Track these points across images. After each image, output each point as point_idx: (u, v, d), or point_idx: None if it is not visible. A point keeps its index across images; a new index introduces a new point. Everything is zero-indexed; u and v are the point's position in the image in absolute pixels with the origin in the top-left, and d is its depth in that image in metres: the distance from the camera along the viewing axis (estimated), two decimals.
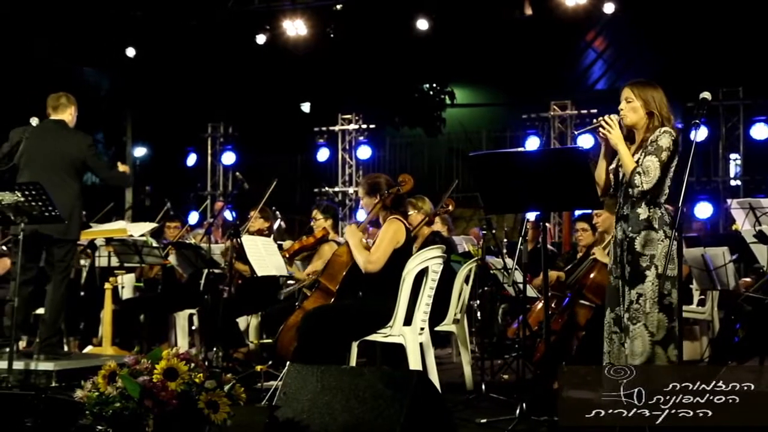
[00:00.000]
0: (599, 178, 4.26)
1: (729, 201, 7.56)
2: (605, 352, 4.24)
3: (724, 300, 6.83)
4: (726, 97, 11.94)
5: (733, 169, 12.74)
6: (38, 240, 5.67)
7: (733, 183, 12.42)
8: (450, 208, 6.73)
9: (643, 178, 4.04)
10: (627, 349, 4.09)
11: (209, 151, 15.07)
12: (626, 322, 4.10)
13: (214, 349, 6.58)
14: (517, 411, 4.47)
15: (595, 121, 4.21)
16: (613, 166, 4.26)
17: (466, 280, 5.95)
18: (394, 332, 4.89)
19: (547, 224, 4.86)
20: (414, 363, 4.84)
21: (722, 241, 7.20)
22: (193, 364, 3.48)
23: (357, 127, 14.12)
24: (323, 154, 14.28)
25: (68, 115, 5.99)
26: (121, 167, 6.17)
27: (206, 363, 5.68)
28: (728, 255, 6.23)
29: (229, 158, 14.62)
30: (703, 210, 11.16)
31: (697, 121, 3.93)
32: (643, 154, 4.10)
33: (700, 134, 4.36)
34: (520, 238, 5.43)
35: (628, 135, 4.21)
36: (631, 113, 4.16)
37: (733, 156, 12.56)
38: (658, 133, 4.08)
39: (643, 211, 4.10)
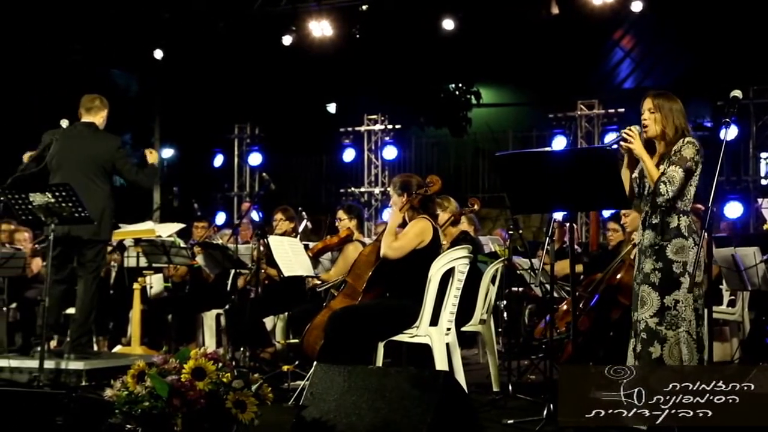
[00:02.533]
0: (627, 188, 4.26)
1: (760, 200, 7.48)
2: (630, 350, 4.23)
3: (755, 301, 6.74)
4: (757, 96, 11.77)
5: (764, 168, 12.57)
6: (70, 241, 5.74)
7: (763, 182, 12.25)
8: (476, 207, 6.71)
9: (668, 187, 4.09)
10: (657, 353, 4.08)
11: (236, 152, 15.16)
12: (657, 327, 4.11)
13: (241, 348, 6.62)
14: (544, 412, 4.45)
15: (616, 135, 4.23)
16: (635, 174, 4.31)
17: (493, 281, 5.93)
18: (421, 332, 4.89)
19: (574, 224, 4.83)
20: (440, 363, 4.84)
21: (753, 241, 7.10)
22: (220, 364, 3.50)
23: (383, 127, 14.12)
24: (349, 155, 14.30)
25: (99, 117, 6.05)
26: (150, 156, 6.18)
27: (233, 363, 5.73)
28: (759, 255, 6.15)
29: (255, 159, 14.70)
30: (734, 209, 11.03)
31: (728, 119, 3.92)
32: (667, 164, 4.16)
33: (731, 133, 4.34)
34: (547, 239, 5.40)
35: (648, 145, 4.25)
36: (653, 124, 4.22)
37: (763, 155, 12.39)
38: (681, 144, 4.15)
39: (673, 220, 4.16)
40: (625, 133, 4.17)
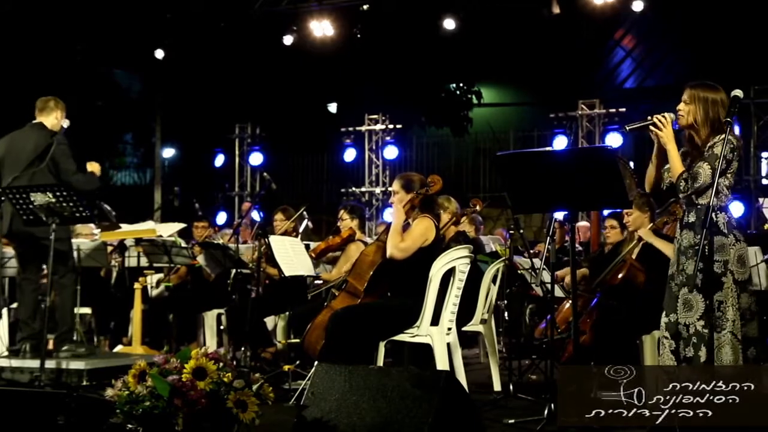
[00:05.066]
0: (649, 176, 4.21)
1: (761, 200, 7.48)
2: (659, 353, 4.19)
3: (756, 300, 6.72)
4: (757, 95, 11.76)
5: (765, 167, 12.56)
6: (28, 240, 5.79)
7: (764, 182, 12.25)
8: (477, 208, 6.71)
9: (689, 184, 4.02)
10: (704, 356, 3.97)
11: (237, 152, 15.17)
12: (703, 330, 3.98)
13: (242, 348, 6.62)
14: (545, 412, 4.45)
15: (648, 117, 4.14)
16: (668, 165, 4.20)
17: (494, 280, 5.93)
18: (422, 332, 4.89)
19: (576, 224, 4.82)
20: (441, 363, 4.84)
21: (754, 241, 7.08)
22: (221, 364, 3.51)
23: (383, 127, 14.12)
24: (350, 155, 14.30)
25: (53, 118, 6.01)
26: (90, 166, 6.08)
27: (234, 362, 5.73)
28: (760, 255, 6.14)
29: (256, 159, 14.70)
30: (734, 209, 11.01)
31: (729, 119, 3.89)
32: (699, 159, 4.05)
33: None
34: (548, 238, 5.41)
35: (689, 138, 4.17)
36: (685, 115, 4.11)
37: (764, 155, 12.38)
38: (715, 140, 4.03)
39: (711, 218, 4.00)
40: (656, 118, 4.07)
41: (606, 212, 6.58)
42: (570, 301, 5.48)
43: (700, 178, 4.00)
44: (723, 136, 3.97)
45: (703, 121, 4.08)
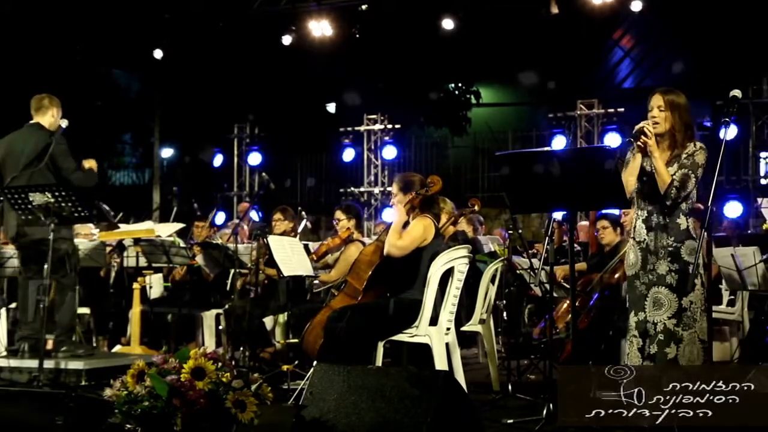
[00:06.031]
0: (629, 183, 4.25)
1: (759, 200, 7.50)
2: (626, 353, 4.24)
3: (754, 300, 6.75)
4: (756, 95, 11.78)
5: (764, 167, 12.58)
6: (27, 240, 5.79)
7: (763, 182, 12.26)
8: (476, 208, 6.71)
9: (680, 193, 4.10)
10: (672, 353, 4.09)
11: (235, 152, 15.17)
12: (674, 328, 4.12)
13: (241, 348, 6.62)
14: (544, 411, 4.45)
15: (637, 127, 4.17)
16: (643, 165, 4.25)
17: (492, 280, 5.93)
18: (420, 332, 4.90)
19: (576, 223, 4.82)
20: (440, 363, 4.84)
21: (752, 241, 7.10)
22: (220, 364, 3.51)
23: (382, 127, 14.13)
24: (349, 155, 14.31)
25: (49, 116, 6.00)
26: (87, 163, 6.06)
27: (233, 362, 5.73)
28: (758, 255, 6.15)
29: (255, 159, 14.71)
30: (733, 209, 11.02)
31: (727, 119, 3.92)
32: (678, 167, 4.13)
33: (730, 132, 4.32)
34: (546, 238, 5.41)
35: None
36: (663, 122, 4.17)
37: (763, 154, 12.40)
38: (694, 148, 4.13)
39: (682, 222, 4.16)
40: (646, 128, 4.13)
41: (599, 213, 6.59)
42: (568, 301, 5.48)
43: (689, 186, 4.11)
44: (701, 145, 4.13)
45: (680, 127, 4.16)
